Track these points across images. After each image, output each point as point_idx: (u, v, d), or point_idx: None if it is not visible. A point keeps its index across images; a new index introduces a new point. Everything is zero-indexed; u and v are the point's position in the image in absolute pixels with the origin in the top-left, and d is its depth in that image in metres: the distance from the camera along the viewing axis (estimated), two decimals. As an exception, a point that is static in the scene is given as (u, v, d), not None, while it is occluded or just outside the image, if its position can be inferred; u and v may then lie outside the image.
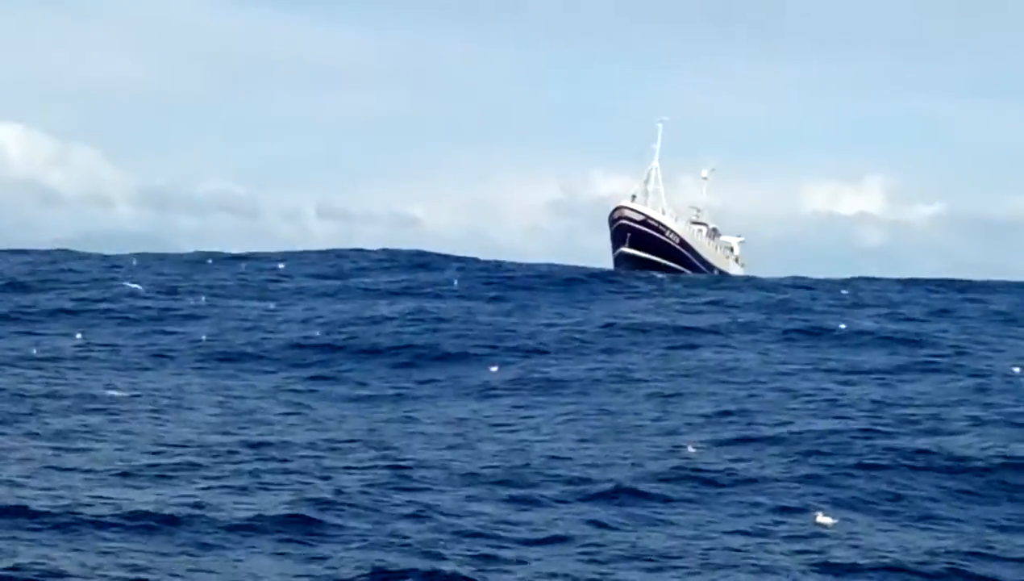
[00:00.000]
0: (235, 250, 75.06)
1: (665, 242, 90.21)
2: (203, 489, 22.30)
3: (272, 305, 52.28)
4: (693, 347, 44.28)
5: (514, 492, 23.11)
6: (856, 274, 75.91)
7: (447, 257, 70.58)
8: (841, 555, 19.90)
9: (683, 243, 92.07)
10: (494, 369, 38.92)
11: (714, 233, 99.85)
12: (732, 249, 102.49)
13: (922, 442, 28.04)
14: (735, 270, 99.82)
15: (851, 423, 30.38)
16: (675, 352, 43.33)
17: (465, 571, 17.96)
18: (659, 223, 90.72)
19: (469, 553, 19.04)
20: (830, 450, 27.20)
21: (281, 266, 66.08)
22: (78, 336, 42.58)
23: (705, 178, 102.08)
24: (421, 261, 69.37)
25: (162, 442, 26.59)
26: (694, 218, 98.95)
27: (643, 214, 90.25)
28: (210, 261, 68.30)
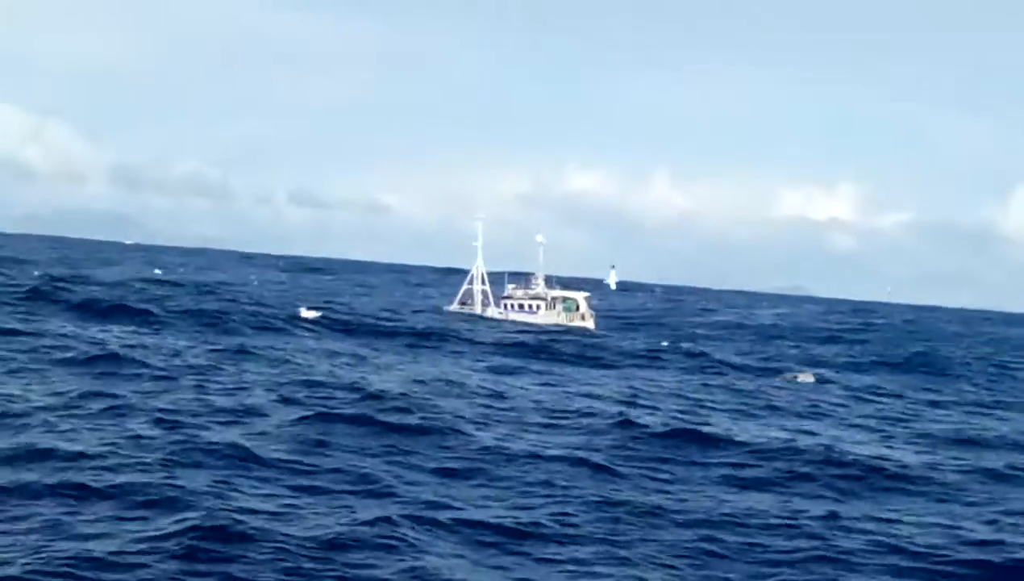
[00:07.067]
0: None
1: None
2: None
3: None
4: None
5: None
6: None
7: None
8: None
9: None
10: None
11: (553, 302, 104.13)
12: (578, 306, 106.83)
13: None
14: (579, 324, 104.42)
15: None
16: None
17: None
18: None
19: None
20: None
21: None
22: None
23: (541, 243, 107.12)
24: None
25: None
26: (532, 292, 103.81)
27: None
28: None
